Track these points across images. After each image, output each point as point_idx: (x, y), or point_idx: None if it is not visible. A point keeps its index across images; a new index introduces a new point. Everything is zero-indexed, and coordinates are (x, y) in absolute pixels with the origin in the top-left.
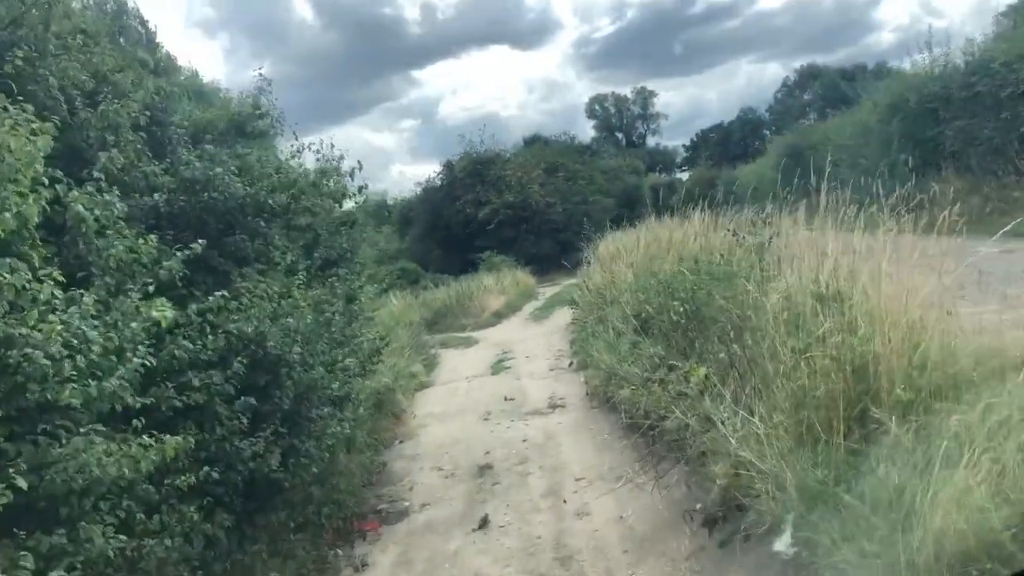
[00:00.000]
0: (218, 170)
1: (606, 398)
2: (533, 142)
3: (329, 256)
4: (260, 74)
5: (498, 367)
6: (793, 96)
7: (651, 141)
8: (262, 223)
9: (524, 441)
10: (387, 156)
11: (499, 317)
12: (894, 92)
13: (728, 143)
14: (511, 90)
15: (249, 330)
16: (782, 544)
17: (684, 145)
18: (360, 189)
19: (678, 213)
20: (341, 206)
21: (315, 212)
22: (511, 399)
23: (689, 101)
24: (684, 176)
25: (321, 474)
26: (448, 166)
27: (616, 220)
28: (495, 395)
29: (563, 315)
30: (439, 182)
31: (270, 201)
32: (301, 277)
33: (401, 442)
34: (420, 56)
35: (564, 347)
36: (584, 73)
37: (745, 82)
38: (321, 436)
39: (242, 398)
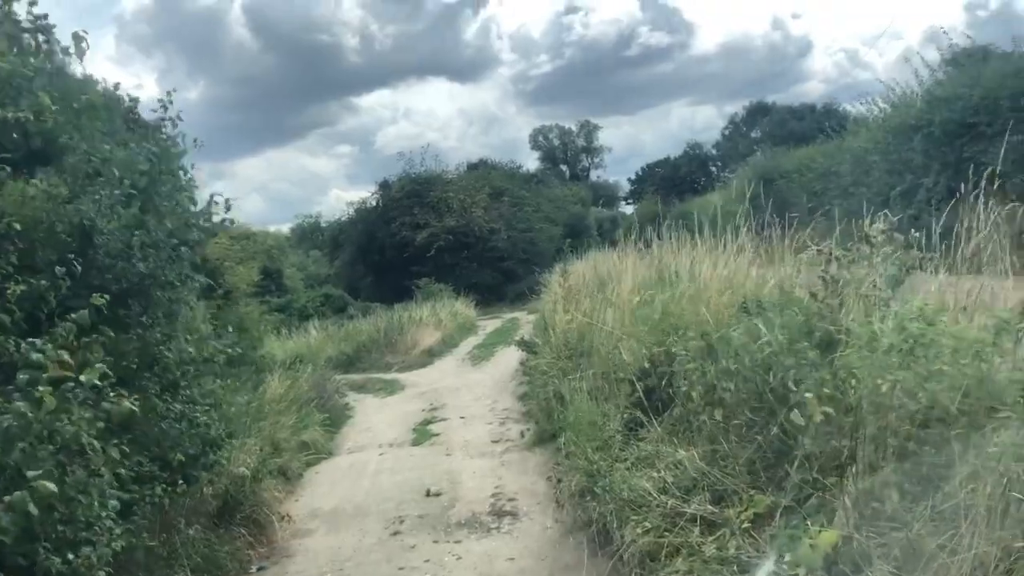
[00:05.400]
0: None
1: (588, 517)
2: (477, 166)
3: (104, 283)
4: None
5: (423, 432)
6: (740, 133)
7: (594, 175)
8: None
9: None
10: (324, 181)
11: (432, 356)
12: (908, 111)
13: (675, 177)
14: (450, 121)
15: None
16: None
17: (629, 179)
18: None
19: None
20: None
21: None
22: (436, 494)
23: (625, 139)
24: (627, 210)
25: None
26: (384, 186)
27: (561, 251)
28: (414, 485)
29: (508, 356)
30: (374, 203)
31: None
32: None
33: (261, 568)
34: (358, 84)
35: (511, 404)
36: (523, 108)
37: (678, 123)
38: None
39: None
